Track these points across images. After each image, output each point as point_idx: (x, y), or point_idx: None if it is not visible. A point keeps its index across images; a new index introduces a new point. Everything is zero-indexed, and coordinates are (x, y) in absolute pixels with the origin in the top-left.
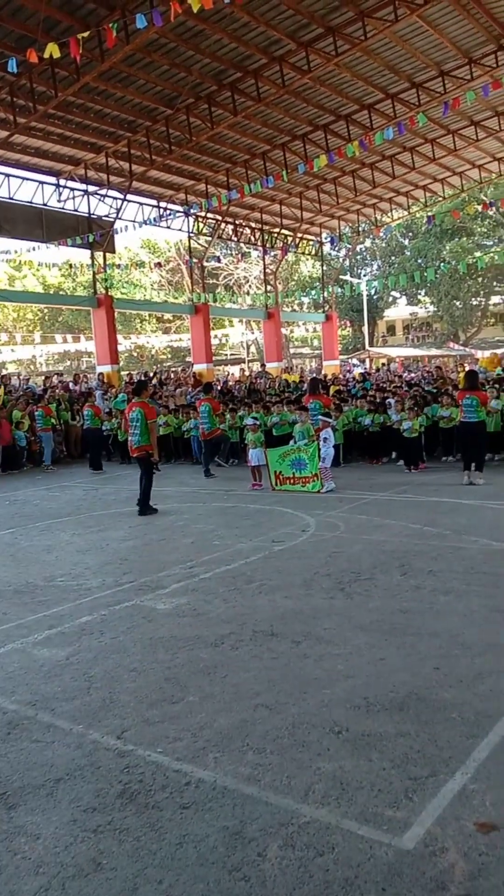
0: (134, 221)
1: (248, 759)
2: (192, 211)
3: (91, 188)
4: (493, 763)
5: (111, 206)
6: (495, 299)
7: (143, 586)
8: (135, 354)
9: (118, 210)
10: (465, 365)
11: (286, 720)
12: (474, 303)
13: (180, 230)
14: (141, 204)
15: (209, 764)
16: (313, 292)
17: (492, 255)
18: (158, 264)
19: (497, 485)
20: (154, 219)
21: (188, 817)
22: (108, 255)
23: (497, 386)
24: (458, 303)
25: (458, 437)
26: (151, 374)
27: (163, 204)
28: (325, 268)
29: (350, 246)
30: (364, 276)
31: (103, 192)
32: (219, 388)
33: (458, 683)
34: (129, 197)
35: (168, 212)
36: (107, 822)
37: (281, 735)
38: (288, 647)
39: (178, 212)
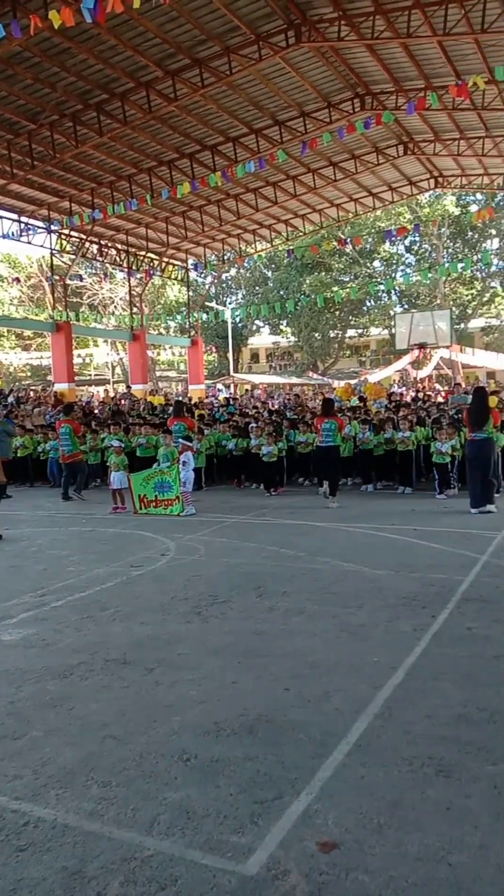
0: None
1: (92, 793)
2: (53, 227)
3: None
4: (336, 781)
5: None
6: (351, 332)
7: None
8: None
9: None
10: (323, 393)
11: (134, 751)
12: (332, 335)
13: (42, 246)
14: (1, 217)
15: (50, 801)
16: (179, 317)
17: (348, 290)
18: (17, 279)
19: (349, 508)
20: (14, 233)
21: (24, 860)
22: None
23: (350, 414)
24: (317, 334)
25: (315, 460)
26: (7, 393)
27: (24, 219)
28: (191, 293)
29: (216, 273)
30: (229, 303)
31: None
32: (82, 408)
33: (307, 703)
34: None
35: (29, 227)
36: None
37: (128, 766)
38: (140, 674)
39: (40, 228)
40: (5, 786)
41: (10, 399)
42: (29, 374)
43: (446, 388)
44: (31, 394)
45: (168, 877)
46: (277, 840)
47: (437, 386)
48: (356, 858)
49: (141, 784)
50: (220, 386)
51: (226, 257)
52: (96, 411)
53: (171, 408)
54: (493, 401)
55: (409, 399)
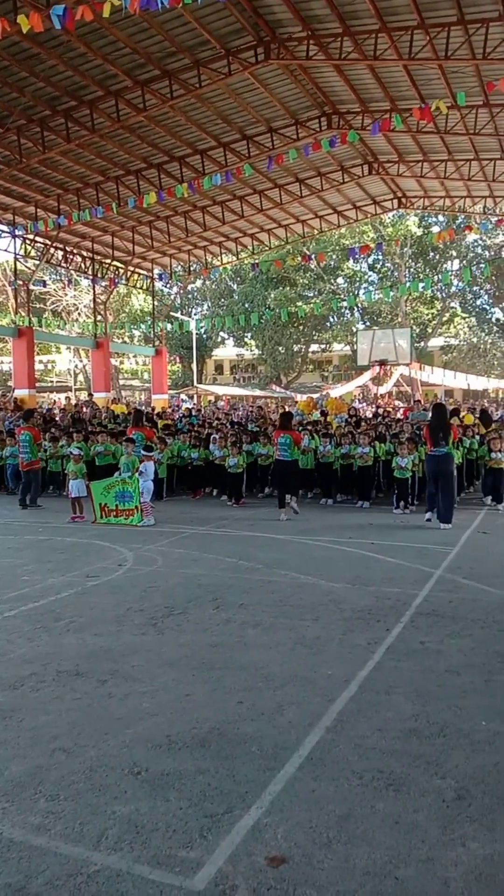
0: None
1: (40, 807)
2: (17, 232)
3: None
4: (287, 795)
5: None
6: (314, 347)
7: None
8: None
9: None
10: (283, 406)
11: (84, 763)
12: (295, 349)
13: (6, 250)
14: None
15: None
16: (143, 326)
17: (311, 305)
18: None
19: (309, 520)
20: None
21: None
22: None
23: (310, 427)
24: (280, 348)
25: (272, 474)
26: None
27: None
28: (156, 303)
29: (181, 284)
30: (194, 314)
31: None
32: (42, 415)
33: (260, 716)
34: None
35: None
36: None
37: (77, 780)
38: (93, 686)
39: (4, 232)
40: None
41: None
42: None
43: (406, 404)
44: None
45: (115, 892)
46: (226, 854)
47: (398, 402)
48: (304, 873)
49: (90, 797)
50: (183, 396)
51: (192, 268)
52: (57, 419)
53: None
54: (468, 418)
55: (369, 414)
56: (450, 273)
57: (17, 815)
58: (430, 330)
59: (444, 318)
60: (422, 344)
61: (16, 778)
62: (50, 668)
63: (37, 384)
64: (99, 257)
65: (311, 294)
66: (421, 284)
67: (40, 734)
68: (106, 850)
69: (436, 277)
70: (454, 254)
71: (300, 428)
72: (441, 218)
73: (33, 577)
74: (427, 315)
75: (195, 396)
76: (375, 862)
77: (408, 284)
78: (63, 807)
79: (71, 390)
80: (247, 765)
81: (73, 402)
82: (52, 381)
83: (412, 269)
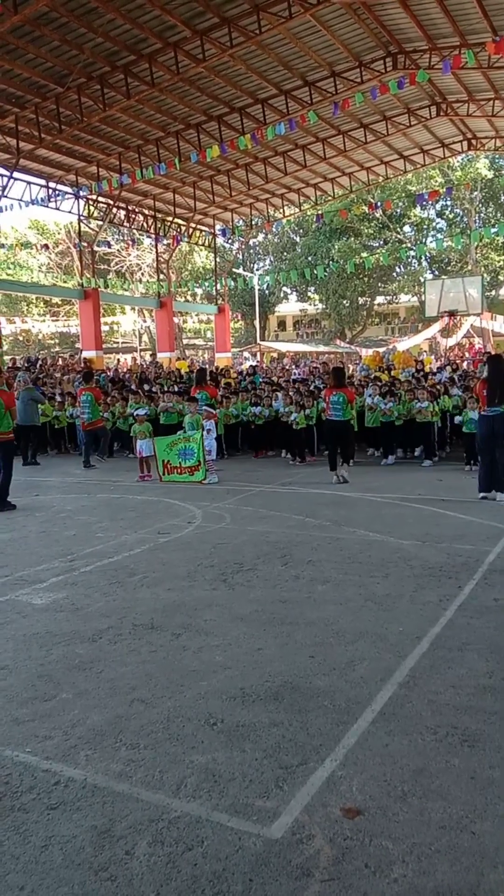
0: (20, 200)
1: (121, 755)
2: (82, 193)
3: None
4: (361, 749)
5: None
6: (380, 299)
7: (20, 580)
8: (21, 339)
9: (3, 188)
10: (340, 362)
11: (161, 714)
12: (360, 302)
13: (70, 212)
14: (29, 183)
15: (80, 762)
16: (206, 283)
17: (377, 255)
18: (46, 246)
19: (376, 478)
20: (42, 199)
21: (55, 818)
22: None
23: (378, 385)
24: (345, 301)
25: (325, 434)
26: (35, 360)
27: (52, 184)
28: (218, 259)
29: (243, 239)
30: (256, 270)
31: None
32: (109, 375)
33: (332, 671)
34: (15, 175)
35: (57, 192)
36: None
37: (155, 729)
38: (167, 639)
39: (68, 193)
40: (36, 746)
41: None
42: (57, 341)
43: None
44: (60, 361)
45: (195, 838)
46: (302, 805)
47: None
48: (380, 825)
49: (168, 747)
50: (246, 354)
51: (253, 222)
52: (125, 381)
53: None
54: None
55: (435, 368)
56: None
57: (99, 762)
58: (501, 278)
59: None
60: (493, 292)
61: (97, 727)
62: (126, 622)
63: (103, 346)
64: (161, 215)
65: (377, 244)
66: (493, 230)
67: (119, 685)
68: (185, 797)
69: None
70: None
71: (367, 384)
72: None
73: (107, 533)
74: (499, 262)
75: (258, 354)
76: (451, 816)
77: (478, 230)
78: (143, 755)
79: (136, 351)
80: (320, 718)
81: (139, 362)
82: (117, 342)
83: (483, 215)
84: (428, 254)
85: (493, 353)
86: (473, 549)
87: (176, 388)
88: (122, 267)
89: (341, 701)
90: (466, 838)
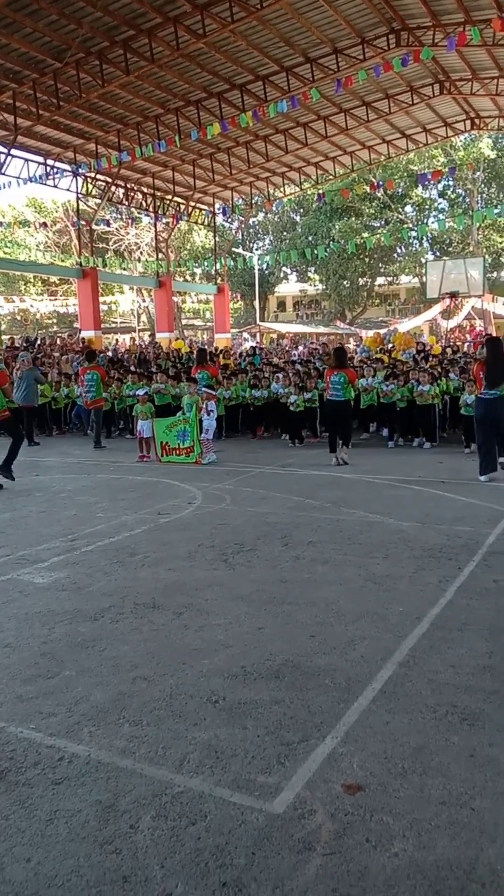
0: (18, 178)
1: (124, 731)
2: (80, 170)
3: None
4: (361, 726)
5: None
6: (380, 280)
7: (21, 560)
8: (18, 318)
9: (1, 165)
10: (339, 342)
11: (164, 691)
12: (361, 282)
13: (68, 190)
14: (26, 160)
15: (84, 738)
16: (206, 263)
17: (378, 236)
18: (44, 224)
19: (373, 460)
20: (40, 176)
21: (60, 793)
22: None
23: (375, 366)
24: (345, 282)
25: (325, 415)
26: (34, 339)
27: (50, 161)
28: (217, 239)
29: (243, 218)
30: (256, 249)
31: None
32: (109, 356)
33: (332, 650)
34: (13, 152)
35: (55, 170)
36: None
37: (158, 706)
38: (169, 618)
39: (66, 171)
40: (41, 722)
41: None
42: (55, 321)
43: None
44: (58, 341)
45: (198, 812)
46: (303, 781)
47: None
48: (380, 801)
49: (171, 723)
50: (245, 335)
51: (254, 201)
52: (124, 361)
53: (193, 355)
54: None
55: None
56: None
57: (103, 738)
58: (503, 259)
59: None
60: (495, 274)
61: (100, 704)
62: (128, 601)
63: (102, 325)
64: (160, 193)
65: (378, 224)
66: (495, 210)
67: (121, 663)
68: (188, 773)
69: None
70: None
71: (365, 365)
72: None
73: (108, 514)
74: (501, 243)
75: (258, 335)
76: (451, 792)
77: (481, 211)
78: (146, 732)
79: (135, 331)
80: (321, 696)
81: (137, 342)
82: (115, 322)
83: (485, 195)
84: (429, 234)
85: (492, 335)
86: (473, 531)
87: (171, 372)
88: (120, 246)
89: (342, 679)
90: (466, 814)
